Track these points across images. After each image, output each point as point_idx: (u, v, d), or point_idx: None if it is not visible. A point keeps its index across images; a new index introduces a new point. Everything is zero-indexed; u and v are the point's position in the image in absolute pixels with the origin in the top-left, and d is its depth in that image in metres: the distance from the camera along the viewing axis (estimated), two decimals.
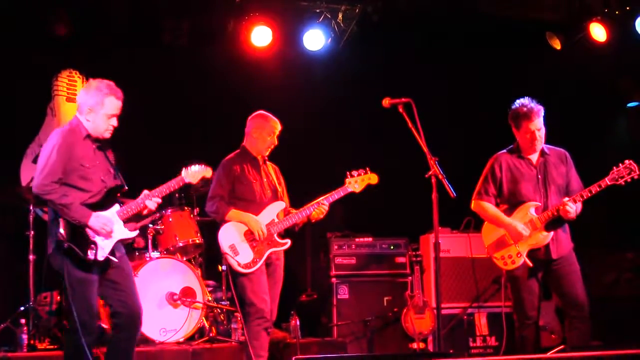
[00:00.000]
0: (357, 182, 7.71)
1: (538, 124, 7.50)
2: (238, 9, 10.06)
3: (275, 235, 7.64)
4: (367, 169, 7.75)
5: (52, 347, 8.41)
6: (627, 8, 10.16)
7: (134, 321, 6.77)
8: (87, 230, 6.57)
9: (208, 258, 9.61)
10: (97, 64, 10.24)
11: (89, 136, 6.78)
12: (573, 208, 7.32)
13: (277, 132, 7.87)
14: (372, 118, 9.52)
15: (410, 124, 7.04)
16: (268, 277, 7.65)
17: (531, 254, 7.44)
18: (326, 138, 10.69)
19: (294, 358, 6.41)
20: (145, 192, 6.88)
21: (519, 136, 7.63)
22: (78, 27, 9.81)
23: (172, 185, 6.98)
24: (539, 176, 7.57)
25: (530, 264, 7.40)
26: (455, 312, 9.86)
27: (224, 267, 9.33)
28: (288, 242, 7.72)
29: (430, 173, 7.02)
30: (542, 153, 7.63)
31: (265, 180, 7.82)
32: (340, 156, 9.80)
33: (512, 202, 7.60)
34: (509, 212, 7.58)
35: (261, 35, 10.05)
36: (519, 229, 7.42)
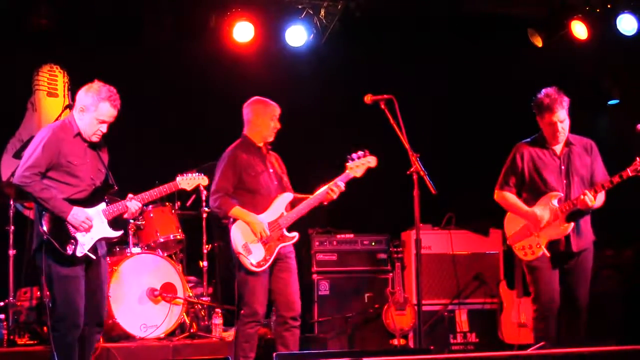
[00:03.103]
0: (359, 166, 7.52)
1: (561, 116, 7.40)
2: (220, 5, 10.04)
3: (284, 230, 7.51)
4: (367, 151, 7.55)
5: (31, 342, 8.39)
6: (609, 6, 10.18)
7: (92, 322, 6.81)
8: (68, 225, 6.57)
9: (189, 254, 9.61)
10: (78, 59, 10.24)
11: (79, 134, 6.78)
12: (591, 199, 7.24)
13: (278, 115, 7.73)
14: (354, 114, 9.51)
15: (392, 121, 7.05)
16: (282, 272, 7.51)
17: (551, 246, 7.39)
18: (307, 134, 10.68)
19: (274, 354, 6.39)
20: (130, 195, 6.88)
21: (542, 126, 7.53)
22: (59, 21, 9.77)
23: (164, 189, 7.00)
24: (562, 167, 7.48)
25: (548, 254, 7.35)
26: (436, 309, 9.88)
27: (204, 263, 9.33)
28: (296, 236, 7.56)
29: (411, 170, 7.03)
30: (567, 143, 7.54)
31: (271, 170, 7.67)
32: (322, 153, 9.80)
33: (534, 192, 7.51)
34: (531, 202, 7.50)
35: (243, 31, 10.03)
36: (538, 213, 7.36)
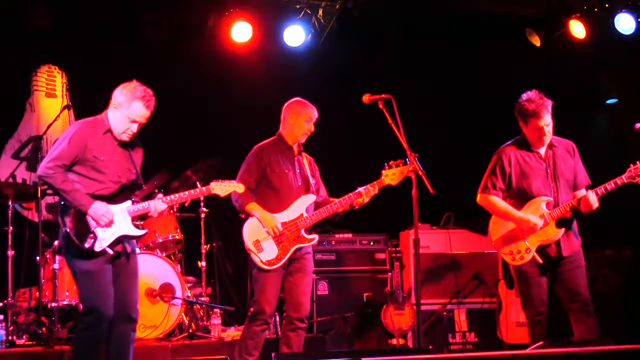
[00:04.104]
0: (395, 174, 7.43)
1: (547, 120, 7.35)
2: (218, 5, 10.05)
3: (302, 231, 7.46)
4: (406, 159, 7.35)
5: (30, 343, 8.37)
6: (607, 5, 10.19)
7: (124, 318, 6.69)
8: (89, 220, 6.50)
9: (187, 254, 9.60)
10: (76, 59, 10.24)
11: (110, 131, 6.71)
12: (595, 200, 7.23)
13: (314, 119, 7.69)
14: (352, 114, 9.51)
15: (390, 120, 7.03)
16: (296, 272, 7.48)
17: (541, 250, 7.35)
18: None
19: (273, 354, 6.38)
20: (159, 195, 6.81)
21: (526, 131, 7.47)
22: (57, 21, 9.77)
23: (194, 193, 6.89)
24: (548, 170, 7.45)
25: (540, 260, 7.31)
26: (434, 308, 9.88)
27: (203, 264, 9.33)
28: (315, 238, 7.52)
29: (410, 169, 7.02)
30: (550, 145, 7.50)
31: (298, 171, 7.64)
32: (319, 152, 9.78)
33: (521, 197, 7.46)
34: (518, 207, 7.45)
35: (241, 31, 10.02)
36: (532, 220, 7.31)
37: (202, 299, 9.22)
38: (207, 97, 10.62)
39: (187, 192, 6.88)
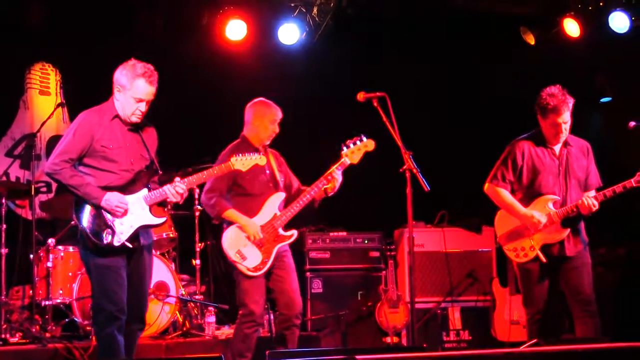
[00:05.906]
0: (354, 152, 7.41)
1: (566, 117, 7.32)
2: (212, 3, 10.03)
3: (280, 230, 7.42)
4: (362, 136, 7.42)
5: (24, 341, 8.35)
6: (601, 4, 10.19)
7: (135, 317, 6.60)
8: (104, 214, 6.32)
9: (182, 252, 9.59)
10: (70, 57, 10.22)
11: (117, 117, 6.53)
12: (594, 204, 7.19)
13: (279, 120, 7.64)
14: (347, 112, 9.50)
15: (384, 118, 7.03)
16: (280, 270, 7.44)
17: (545, 249, 7.34)
18: (300, 132, 10.67)
19: (267, 352, 6.37)
20: (177, 178, 6.55)
21: (543, 125, 7.43)
22: (51, 18, 9.74)
23: (214, 171, 6.72)
24: (561, 168, 7.42)
25: (544, 260, 7.30)
26: (429, 307, 9.89)
27: (197, 262, 9.32)
28: (294, 234, 7.49)
29: (404, 167, 7.01)
30: (565, 143, 7.48)
31: (267, 172, 7.54)
32: (315, 151, 9.79)
33: (529, 193, 7.45)
34: (525, 202, 7.43)
35: (236, 29, 10.01)
36: (536, 217, 7.30)
37: (196, 297, 9.22)
38: (201, 95, 10.60)
39: (207, 171, 6.71)
